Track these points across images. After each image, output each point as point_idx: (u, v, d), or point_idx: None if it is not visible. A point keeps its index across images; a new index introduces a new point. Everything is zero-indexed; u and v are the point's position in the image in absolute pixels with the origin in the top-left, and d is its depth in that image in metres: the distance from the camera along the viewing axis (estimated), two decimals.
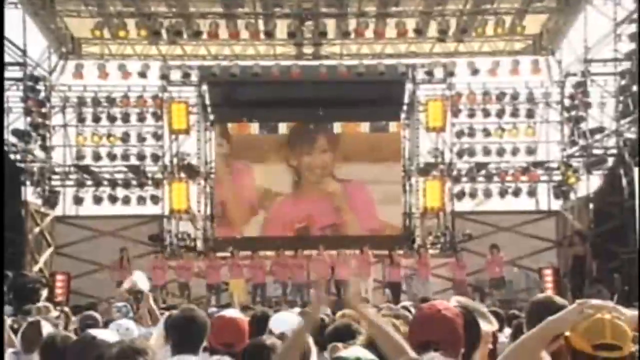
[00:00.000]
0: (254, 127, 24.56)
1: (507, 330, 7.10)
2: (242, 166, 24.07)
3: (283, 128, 24.48)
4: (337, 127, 24.42)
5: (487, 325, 4.28)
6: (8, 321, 7.12)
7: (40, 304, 9.30)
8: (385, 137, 24.62)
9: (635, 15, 19.87)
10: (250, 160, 24.05)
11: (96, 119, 23.97)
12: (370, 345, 3.56)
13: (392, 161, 24.29)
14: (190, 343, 4.70)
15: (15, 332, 6.42)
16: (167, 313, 6.42)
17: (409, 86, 24.62)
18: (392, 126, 24.76)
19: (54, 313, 8.73)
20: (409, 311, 7.09)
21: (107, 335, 4.05)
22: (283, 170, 23.93)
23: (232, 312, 5.00)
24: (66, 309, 9.41)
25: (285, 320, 5.24)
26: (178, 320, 5.02)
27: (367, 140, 24.22)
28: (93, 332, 4.15)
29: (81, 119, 24.08)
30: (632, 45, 20.29)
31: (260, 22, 22.72)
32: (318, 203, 23.87)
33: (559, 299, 4.02)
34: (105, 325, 7.17)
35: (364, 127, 24.51)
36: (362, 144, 24.09)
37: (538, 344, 3.04)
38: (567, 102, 23.56)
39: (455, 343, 3.25)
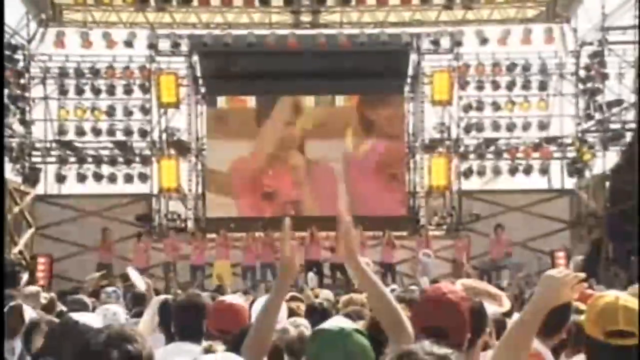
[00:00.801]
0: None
1: (516, 315, 7.17)
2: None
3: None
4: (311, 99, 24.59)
5: (497, 307, 4.32)
6: None
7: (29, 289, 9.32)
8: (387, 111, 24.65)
9: None
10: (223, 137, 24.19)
11: (79, 91, 23.90)
12: (372, 327, 3.60)
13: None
14: (193, 330, 4.77)
15: None
16: (157, 298, 6.46)
17: (413, 57, 24.57)
18: (339, 100, 24.74)
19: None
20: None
21: (90, 319, 4.06)
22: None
23: (233, 298, 5.05)
24: (52, 294, 9.45)
25: None
26: (182, 305, 5.07)
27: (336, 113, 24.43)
28: (75, 315, 4.16)
29: (63, 91, 24.02)
30: None
31: None
32: (284, 178, 24.02)
33: None
34: (94, 310, 7.23)
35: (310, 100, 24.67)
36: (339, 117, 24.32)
37: (535, 317, 3.07)
38: (582, 73, 23.50)
39: (461, 328, 3.27)
